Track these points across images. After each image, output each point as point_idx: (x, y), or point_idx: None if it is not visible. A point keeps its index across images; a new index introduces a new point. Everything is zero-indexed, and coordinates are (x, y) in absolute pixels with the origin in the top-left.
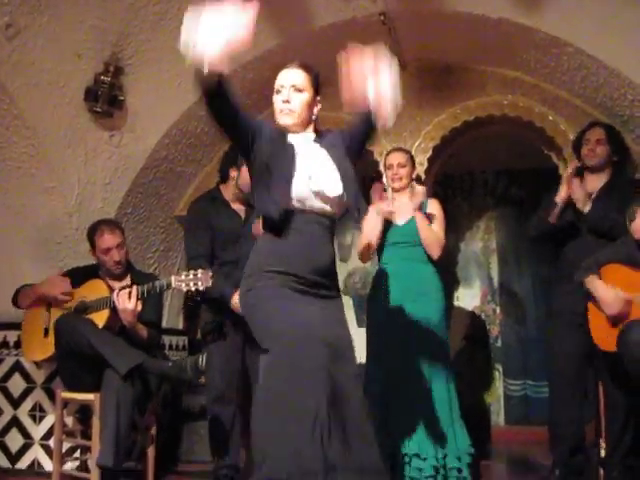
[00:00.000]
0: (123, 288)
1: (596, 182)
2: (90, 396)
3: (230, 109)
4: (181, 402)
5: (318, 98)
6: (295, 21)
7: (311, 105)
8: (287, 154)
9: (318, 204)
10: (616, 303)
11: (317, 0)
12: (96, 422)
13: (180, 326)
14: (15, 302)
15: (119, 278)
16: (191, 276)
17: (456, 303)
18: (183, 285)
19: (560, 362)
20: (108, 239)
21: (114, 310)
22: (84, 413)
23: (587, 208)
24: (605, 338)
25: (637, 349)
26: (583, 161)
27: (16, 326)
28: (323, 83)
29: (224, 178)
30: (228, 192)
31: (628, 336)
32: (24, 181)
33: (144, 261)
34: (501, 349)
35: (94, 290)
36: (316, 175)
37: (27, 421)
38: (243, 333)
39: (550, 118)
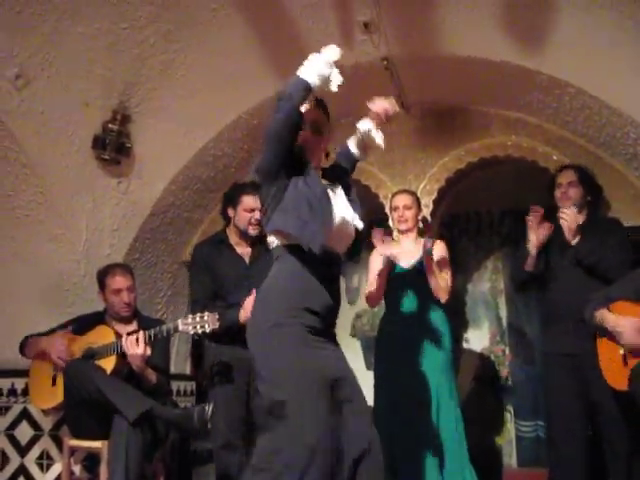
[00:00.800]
0: (130, 333)
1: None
2: (98, 444)
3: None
4: (189, 446)
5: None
6: (298, 67)
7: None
8: (324, 195)
9: (344, 242)
10: (633, 331)
11: (320, 46)
12: (104, 470)
13: (187, 371)
14: (22, 351)
15: (126, 322)
16: (197, 319)
17: (465, 345)
18: (190, 328)
19: (555, 407)
20: (120, 280)
21: (122, 356)
22: (92, 461)
23: (574, 241)
24: (617, 377)
25: None
26: (558, 205)
27: (24, 373)
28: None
29: (227, 220)
30: (232, 234)
31: None
32: (32, 229)
33: (152, 306)
34: (511, 390)
35: (101, 336)
36: (346, 212)
37: (34, 469)
38: (247, 377)
39: (554, 158)
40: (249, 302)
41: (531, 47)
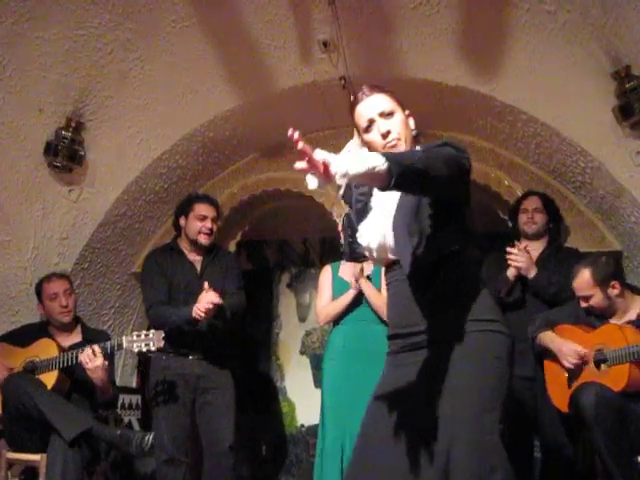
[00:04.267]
0: (73, 347)
1: (536, 250)
2: (36, 457)
3: None
4: (133, 464)
5: (407, 112)
6: (256, 83)
7: (407, 123)
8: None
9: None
10: (574, 354)
11: (278, 63)
12: None
13: (134, 384)
14: None
15: (68, 332)
16: (142, 336)
17: None
18: (134, 346)
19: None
20: (55, 285)
21: (63, 371)
22: (29, 474)
23: (532, 274)
24: (562, 399)
25: (588, 412)
26: (522, 230)
27: None
28: (282, 145)
29: (179, 230)
30: (184, 243)
31: (580, 398)
32: None
33: (99, 317)
34: None
35: (44, 350)
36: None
37: None
38: (192, 393)
39: (506, 183)
40: (203, 297)
41: (486, 73)
